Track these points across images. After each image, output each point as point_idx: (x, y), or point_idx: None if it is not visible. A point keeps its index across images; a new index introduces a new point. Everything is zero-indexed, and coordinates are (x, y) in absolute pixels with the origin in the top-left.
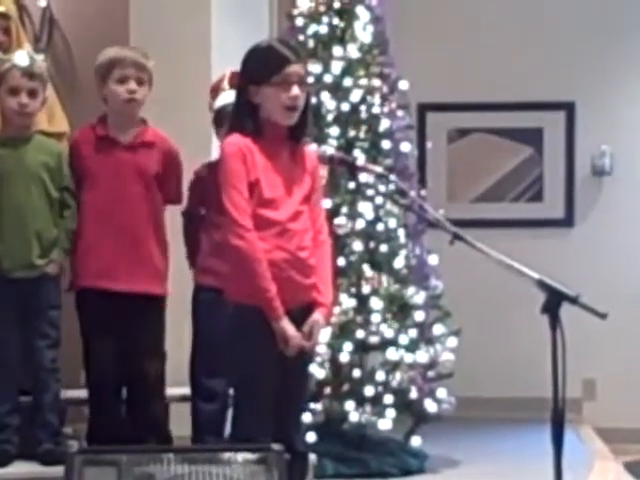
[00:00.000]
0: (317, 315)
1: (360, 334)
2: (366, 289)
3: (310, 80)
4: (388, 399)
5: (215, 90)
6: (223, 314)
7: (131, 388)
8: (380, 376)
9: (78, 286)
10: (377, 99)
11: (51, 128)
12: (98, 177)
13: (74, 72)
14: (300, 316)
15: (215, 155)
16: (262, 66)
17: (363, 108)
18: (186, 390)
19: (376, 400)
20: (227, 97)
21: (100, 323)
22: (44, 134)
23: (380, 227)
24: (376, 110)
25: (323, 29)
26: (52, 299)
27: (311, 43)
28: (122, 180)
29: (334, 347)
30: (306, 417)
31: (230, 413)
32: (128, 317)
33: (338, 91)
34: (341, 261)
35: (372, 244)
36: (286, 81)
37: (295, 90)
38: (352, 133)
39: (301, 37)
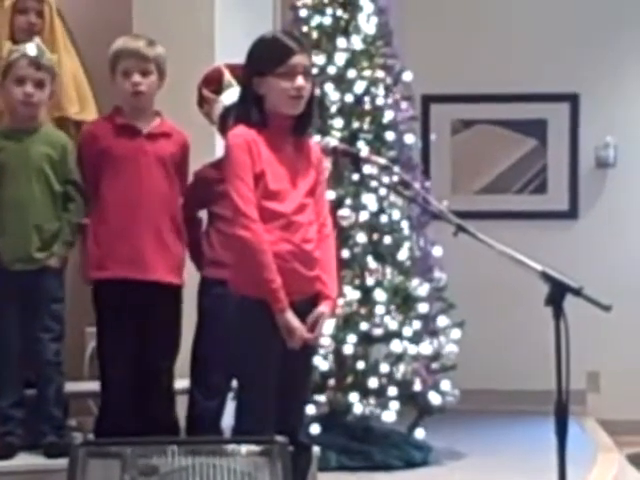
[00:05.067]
0: (322, 308)
1: (364, 326)
2: (370, 281)
3: (314, 71)
4: (392, 391)
5: (212, 82)
6: (227, 307)
7: (144, 379)
8: (384, 368)
9: (100, 278)
10: (381, 90)
11: (81, 116)
12: (120, 165)
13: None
14: (304, 308)
15: (218, 151)
16: (267, 57)
17: (367, 99)
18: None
19: (380, 392)
20: (236, 94)
21: (120, 315)
22: (74, 122)
23: (384, 219)
24: (380, 101)
25: (327, 20)
26: (54, 292)
27: (315, 34)
28: (144, 168)
29: (338, 339)
30: (310, 409)
31: (227, 408)
32: (147, 307)
33: (342, 82)
34: (345, 253)
35: (376, 236)
36: (291, 72)
37: (300, 80)
38: (356, 124)
39: (305, 28)
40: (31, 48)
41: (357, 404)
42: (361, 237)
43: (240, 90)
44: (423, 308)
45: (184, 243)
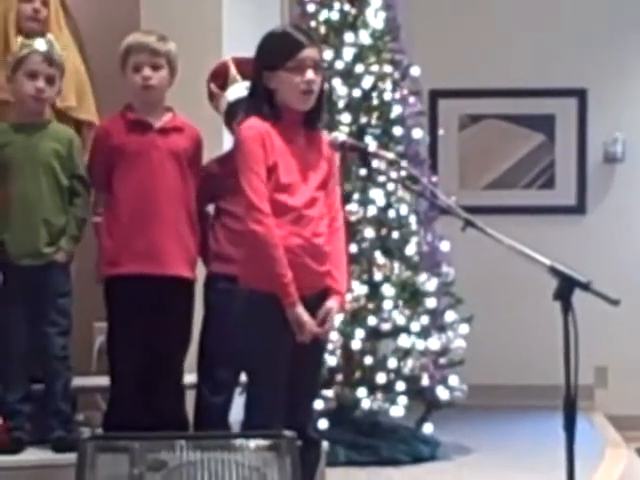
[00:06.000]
0: (332, 302)
1: (372, 321)
2: (378, 276)
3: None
4: (400, 386)
5: (219, 77)
6: (236, 301)
7: (153, 373)
8: (392, 363)
9: (116, 274)
10: (389, 85)
11: (82, 115)
12: (133, 161)
13: (83, 59)
14: (314, 303)
15: (226, 145)
16: (277, 51)
17: (375, 94)
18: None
19: (388, 387)
20: (241, 89)
21: (134, 310)
22: (74, 120)
23: (392, 214)
24: (388, 96)
25: (334, 15)
26: (60, 287)
27: (322, 29)
28: (157, 163)
29: (346, 334)
30: (318, 404)
31: (234, 403)
32: (163, 302)
33: (350, 77)
34: (353, 248)
35: (384, 231)
36: (301, 66)
37: (310, 74)
38: (364, 119)
39: (312, 23)
40: (41, 43)
41: (365, 399)
42: (369, 232)
43: (250, 84)
44: (431, 303)
45: (197, 237)
